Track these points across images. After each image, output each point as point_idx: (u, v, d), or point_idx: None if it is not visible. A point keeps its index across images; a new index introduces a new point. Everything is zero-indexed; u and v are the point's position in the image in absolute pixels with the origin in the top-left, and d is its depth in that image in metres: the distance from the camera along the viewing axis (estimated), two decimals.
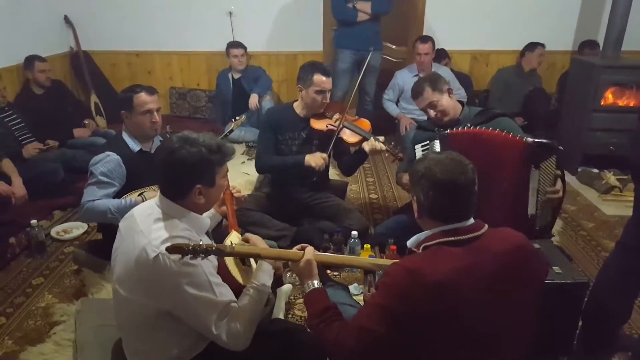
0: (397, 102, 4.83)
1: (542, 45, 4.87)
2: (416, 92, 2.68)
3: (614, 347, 2.18)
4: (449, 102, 2.68)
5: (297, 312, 2.48)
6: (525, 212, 2.39)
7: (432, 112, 2.68)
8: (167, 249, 1.39)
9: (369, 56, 4.30)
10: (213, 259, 1.63)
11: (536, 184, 2.37)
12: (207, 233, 1.73)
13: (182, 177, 1.57)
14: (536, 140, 2.37)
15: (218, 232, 2.10)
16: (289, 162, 3.02)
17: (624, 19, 4.20)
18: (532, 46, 4.89)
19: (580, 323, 2.09)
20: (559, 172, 2.38)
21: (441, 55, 4.98)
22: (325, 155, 2.94)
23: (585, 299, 2.03)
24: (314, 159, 2.92)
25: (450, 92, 2.70)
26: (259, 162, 3.11)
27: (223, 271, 1.66)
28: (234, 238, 1.90)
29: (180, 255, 1.40)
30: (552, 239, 2.76)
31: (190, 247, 1.38)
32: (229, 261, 1.73)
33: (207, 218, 1.71)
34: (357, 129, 2.98)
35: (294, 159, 3.01)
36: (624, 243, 2.03)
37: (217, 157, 1.58)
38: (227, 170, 1.67)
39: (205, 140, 1.58)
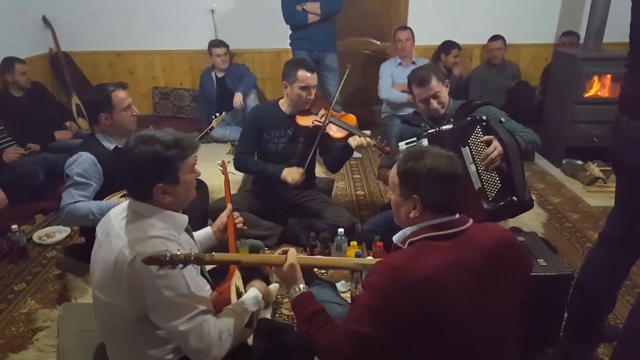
0: None
1: (498, 38, 4.89)
2: (423, 80, 2.63)
3: (599, 337, 2.19)
4: (446, 94, 2.71)
5: (284, 312, 2.46)
6: (474, 190, 2.43)
7: (434, 103, 2.66)
8: (144, 260, 1.35)
9: (325, 57, 4.30)
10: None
11: (470, 159, 2.43)
12: (187, 230, 1.69)
13: (140, 177, 1.52)
14: (453, 122, 2.50)
15: (220, 268, 2.06)
16: (267, 172, 3.03)
17: (604, 10, 4.22)
18: (489, 41, 4.97)
19: (565, 314, 2.11)
20: (488, 137, 2.41)
21: (451, 46, 4.98)
22: (302, 171, 2.93)
23: (571, 291, 2.04)
24: (291, 175, 2.93)
25: (447, 85, 2.73)
26: (238, 162, 3.08)
27: (224, 302, 1.67)
28: (236, 279, 1.87)
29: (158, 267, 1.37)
30: (538, 231, 2.78)
31: (168, 258, 1.34)
32: (233, 294, 1.73)
33: (185, 215, 1.65)
34: (343, 124, 2.96)
35: (272, 169, 3.00)
36: (606, 235, 2.04)
37: (176, 153, 1.51)
38: (194, 163, 1.61)
39: (162, 137, 1.51)
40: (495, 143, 2.38)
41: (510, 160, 2.41)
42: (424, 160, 1.42)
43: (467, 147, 2.44)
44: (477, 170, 2.43)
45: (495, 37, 4.92)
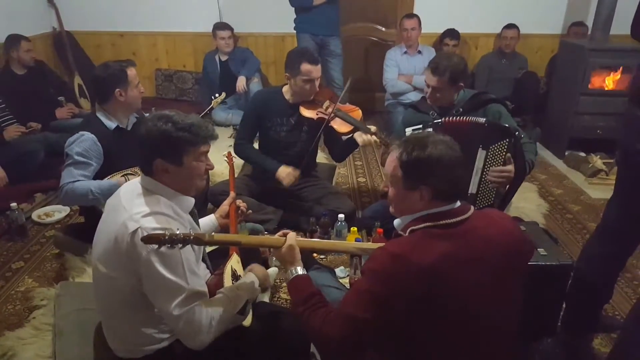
0: None
1: (513, 26, 4.86)
2: (434, 67, 2.54)
3: (596, 327, 2.20)
4: (451, 94, 2.61)
5: (282, 295, 2.46)
6: (466, 189, 2.38)
7: (427, 92, 2.63)
8: (143, 239, 1.36)
9: (329, 42, 4.27)
10: (198, 249, 1.61)
11: (481, 164, 2.36)
12: (192, 214, 1.69)
13: (145, 149, 1.55)
14: (489, 121, 2.38)
15: (218, 250, 2.08)
16: (263, 165, 3.01)
17: (612, 1, 4.17)
18: (504, 29, 4.92)
19: (564, 304, 2.11)
20: (508, 155, 2.33)
21: (453, 35, 4.93)
22: (297, 174, 2.92)
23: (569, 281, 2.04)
24: (287, 177, 2.91)
25: (459, 88, 2.61)
26: (237, 148, 3.05)
27: (222, 286, 1.66)
28: (234, 263, 1.87)
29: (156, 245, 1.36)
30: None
31: (167, 237, 1.34)
32: (227, 277, 1.73)
33: (192, 198, 1.67)
34: (348, 118, 2.91)
35: (270, 165, 2.98)
36: (604, 226, 2.03)
37: (186, 135, 1.52)
38: (206, 153, 1.61)
39: (178, 118, 1.54)
40: (512, 167, 2.31)
41: (512, 186, 2.39)
42: (428, 148, 1.38)
43: (485, 151, 2.35)
44: (481, 178, 2.37)
45: (510, 26, 4.87)
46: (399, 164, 1.43)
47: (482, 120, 2.40)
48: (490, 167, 2.36)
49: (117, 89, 2.43)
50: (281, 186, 2.97)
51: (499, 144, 2.34)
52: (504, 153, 2.34)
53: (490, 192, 2.40)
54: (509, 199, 2.48)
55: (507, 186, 2.40)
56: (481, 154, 2.35)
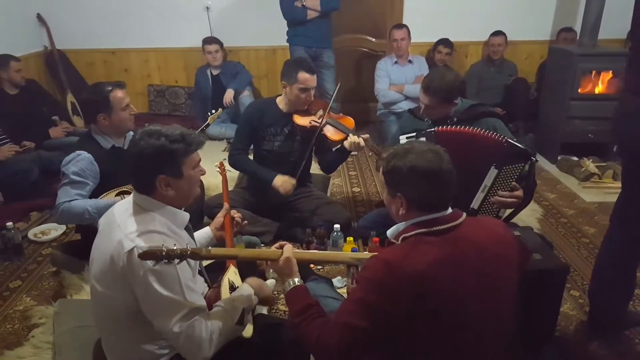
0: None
1: (500, 33, 4.92)
2: (426, 87, 2.53)
3: (626, 323, 2.21)
4: (446, 109, 2.59)
5: (280, 307, 2.46)
6: (468, 203, 2.36)
7: (421, 106, 2.63)
8: (140, 255, 1.35)
9: (322, 54, 4.31)
10: (194, 264, 1.61)
11: (490, 183, 2.32)
12: (187, 229, 1.70)
13: (144, 168, 1.54)
14: (509, 140, 2.31)
15: (215, 263, 2.07)
16: (259, 175, 3.02)
17: (599, 7, 4.23)
18: (491, 36, 4.98)
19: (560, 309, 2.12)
20: (515, 183, 2.29)
21: (446, 44, 4.99)
22: (294, 182, 2.92)
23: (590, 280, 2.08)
24: (283, 185, 2.91)
25: (454, 105, 2.59)
26: (232, 159, 3.07)
27: (217, 300, 1.67)
28: (231, 275, 1.86)
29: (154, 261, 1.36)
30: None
31: (164, 252, 1.34)
32: (224, 289, 1.73)
33: (187, 213, 1.67)
34: (340, 126, 2.94)
35: (265, 175, 2.99)
36: (616, 216, 2.07)
37: (180, 147, 1.53)
38: (199, 160, 1.63)
39: (167, 131, 1.53)
40: (520, 192, 2.28)
41: (518, 208, 2.38)
42: (406, 158, 1.41)
43: (497, 171, 2.30)
44: (487, 196, 2.33)
45: (497, 33, 4.93)
46: (381, 171, 1.50)
47: (502, 138, 2.32)
48: (499, 187, 2.32)
49: (100, 114, 2.43)
50: (279, 197, 2.97)
51: (514, 167, 2.29)
52: (516, 175, 2.29)
53: (493, 212, 2.37)
54: (511, 218, 2.47)
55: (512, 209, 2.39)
56: (492, 172, 2.30)
